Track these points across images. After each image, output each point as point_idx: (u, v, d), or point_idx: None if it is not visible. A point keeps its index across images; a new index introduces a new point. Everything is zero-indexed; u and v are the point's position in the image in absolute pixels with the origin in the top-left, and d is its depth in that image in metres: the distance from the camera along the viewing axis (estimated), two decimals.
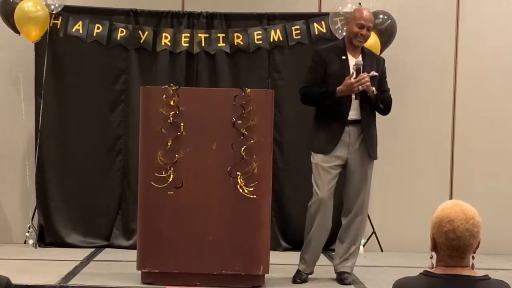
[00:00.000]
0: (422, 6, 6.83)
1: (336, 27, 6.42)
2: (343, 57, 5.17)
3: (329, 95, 5.07)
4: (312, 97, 5.20)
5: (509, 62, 6.79)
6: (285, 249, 6.54)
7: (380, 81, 5.23)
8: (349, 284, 5.24)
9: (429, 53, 6.79)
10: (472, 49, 6.84)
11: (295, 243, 6.31)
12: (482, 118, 6.81)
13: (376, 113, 5.29)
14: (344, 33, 5.91)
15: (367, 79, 4.99)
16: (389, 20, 6.49)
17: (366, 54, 5.26)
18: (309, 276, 5.34)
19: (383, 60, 5.41)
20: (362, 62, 5.06)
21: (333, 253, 5.55)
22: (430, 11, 6.82)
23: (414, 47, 6.76)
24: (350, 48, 5.21)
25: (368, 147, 5.17)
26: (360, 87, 4.99)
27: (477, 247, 2.50)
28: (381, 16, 6.49)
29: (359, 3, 6.40)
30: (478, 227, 2.51)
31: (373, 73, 5.09)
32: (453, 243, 2.48)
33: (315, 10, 6.78)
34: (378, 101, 5.15)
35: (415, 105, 6.78)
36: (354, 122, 5.14)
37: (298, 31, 6.57)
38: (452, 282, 2.47)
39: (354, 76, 5.00)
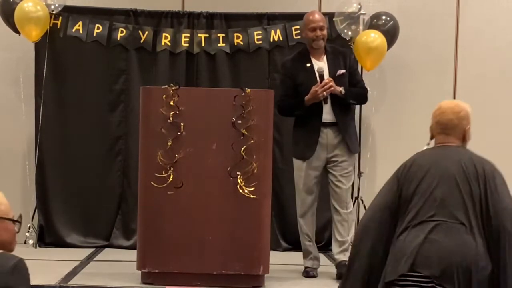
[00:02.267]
0: (422, 6, 6.82)
1: (342, 27, 6.41)
2: (308, 65, 5.40)
3: (299, 105, 5.33)
4: (285, 109, 5.49)
5: (509, 62, 6.79)
6: (285, 249, 6.54)
7: (350, 75, 5.42)
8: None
9: (429, 53, 6.79)
10: (472, 49, 6.84)
11: (295, 243, 6.30)
12: (482, 118, 6.79)
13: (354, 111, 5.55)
14: (349, 33, 6.06)
15: (331, 83, 5.22)
16: (392, 21, 6.50)
17: (330, 52, 5.45)
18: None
19: (350, 52, 5.62)
20: (323, 69, 5.30)
21: (332, 252, 5.65)
22: (430, 11, 6.81)
23: (414, 47, 6.76)
24: (313, 53, 5.43)
25: (348, 143, 5.36)
26: (325, 93, 5.22)
27: (465, 136, 3.65)
28: (383, 17, 6.50)
29: (359, 4, 6.42)
30: (464, 115, 3.66)
31: (340, 71, 5.34)
32: (438, 118, 3.59)
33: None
34: (348, 99, 5.35)
35: (415, 105, 6.77)
36: (331, 124, 5.35)
37: (298, 31, 6.56)
38: (440, 148, 3.55)
39: (319, 82, 5.23)
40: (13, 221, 2.80)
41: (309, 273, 5.45)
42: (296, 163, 5.44)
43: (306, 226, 5.50)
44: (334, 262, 5.59)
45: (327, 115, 5.32)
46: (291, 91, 5.42)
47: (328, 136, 5.34)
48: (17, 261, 2.67)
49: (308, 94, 5.26)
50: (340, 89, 5.27)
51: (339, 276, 5.29)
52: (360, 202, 6.57)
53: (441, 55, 6.82)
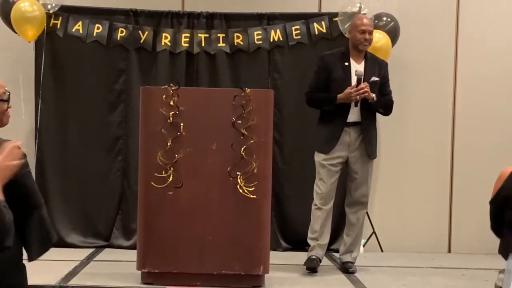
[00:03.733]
0: (422, 6, 6.83)
1: (346, 26, 6.41)
2: (346, 63, 5.52)
3: (330, 102, 5.44)
4: (315, 102, 5.57)
5: (509, 62, 6.79)
6: (285, 249, 6.53)
7: (382, 85, 5.58)
8: (353, 272, 5.55)
9: (429, 53, 6.79)
10: (472, 49, 6.84)
11: (295, 243, 6.31)
12: (482, 118, 6.81)
13: (377, 114, 5.63)
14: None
15: (366, 89, 5.35)
16: (393, 22, 6.51)
17: (369, 59, 5.60)
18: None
19: (386, 63, 5.73)
20: (362, 73, 5.42)
21: (334, 253, 5.78)
22: (430, 11, 6.81)
23: (414, 47, 6.76)
24: (353, 54, 5.55)
25: (367, 147, 5.49)
26: (358, 97, 5.34)
27: None
28: (384, 18, 6.50)
29: (360, 5, 6.42)
30: None
31: (374, 78, 5.49)
32: None
33: (315, 10, 6.78)
34: (378, 107, 5.51)
35: (415, 105, 6.78)
36: (354, 124, 5.47)
37: (298, 31, 6.57)
38: None
39: (355, 85, 5.35)
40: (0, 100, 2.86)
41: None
42: (318, 156, 5.54)
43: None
44: (339, 261, 5.71)
45: (353, 115, 5.46)
46: (323, 84, 5.51)
47: (351, 135, 5.48)
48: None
49: (339, 92, 5.39)
50: (373, 95, 5.42)
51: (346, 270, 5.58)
52: None
53: (441, 55, 6.82)
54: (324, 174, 5.47)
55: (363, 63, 5.55)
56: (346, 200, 5.65)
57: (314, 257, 5.52)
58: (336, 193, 5.62)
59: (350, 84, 5.41)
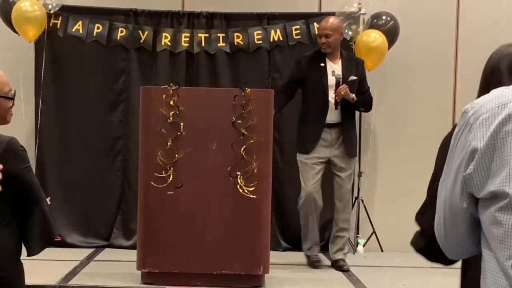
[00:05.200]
0: (422, 6, 6.82)
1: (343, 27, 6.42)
2: (322, 64, 5.68)
3: (279, 107, 5.58)
4: (276, 98, 5.44)
5: None
6: (285, 249, 6.53)
7: (360, 82, 5.74)
8: (347, 270, 5.66)
9: (429, 53, 6.78)
10: (472, 49, 6.83)
11: (295, 243, 6.31)
12: None
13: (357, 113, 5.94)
14: (350, 33, 6.16)
15: (346, 91, 5.50)
16: (392, 21, 6.50)
17: (345, 58, 5.76)
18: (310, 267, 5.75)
19: (362, 61, 5.91)
20: (341, 75, 5.54)
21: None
22: (430, 11, 6.81)
23: (414, 47, 6.75)
24: (329, 54, 5.70)
25: (347, 146, 5.66)
26: (337, 98, 5.52)
27: None
28: (384, 17, 6.50)
29: (359, 4, 6.42)
30: None
31: (352, 77, 5.65)
32: None
33: (315, 10, 6.78)
34: (359, 105, 5.70)
35: (415, 105, 6.78)
36: (335, 124, 5.63)
37: (298, 31, 6.56)
38: None
39: (335, 88, 5.54)
40: (5, 98, 2.85)
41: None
42: (300, 156, 5.72)
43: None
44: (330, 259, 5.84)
45: (333, 116, 5.61)
46: (294, 83, 5.74)
47: (332, 135, 5.63)
48: (6, 142, 2.72)
49: (316, 92, 5.59)
50: (353, 96, 5.56)
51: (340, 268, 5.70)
52: (361, 202, 6.57)
53: (441, 55, 6.81)
54: (308, 173, 5.63)
55: (340, 63, 5.69)
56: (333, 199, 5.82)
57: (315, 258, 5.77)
58: (332, 193, 5.77)
59: (326, 85, 5.59)
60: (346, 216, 5.81)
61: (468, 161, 1.55)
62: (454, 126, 2.26)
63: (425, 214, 2.19)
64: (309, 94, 5.68)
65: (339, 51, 5.74)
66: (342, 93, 5.49)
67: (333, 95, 5.56)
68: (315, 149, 5.62)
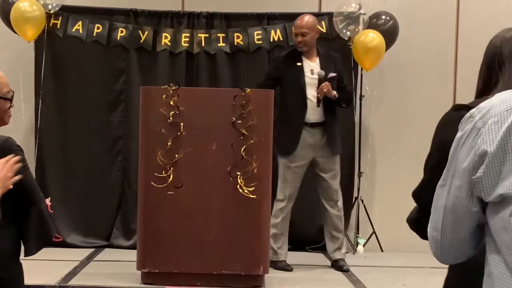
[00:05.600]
0: (422, 6, 6.82)
1: (341, 27, 6.42)
2: (298, 64, 5.64)
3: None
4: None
5: None
6: None
7: (339, 78, 5.69)
8: (347, 270, 5.63)
9: (429, 53, 6.78)
10: (472, 49, 6.82)
11: (295, 243, 6.30)
12: None
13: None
14: (348, 33, 6.14)
15: (329, 88, 5.46)
16: (392, 21, 6.50)
17: (322, 55, 5.72)
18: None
19: (339, 57, 5.87)
20: (323, 73, 5.51)
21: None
22: (430, 11, 6.81)
23: (414, 47, 6.75)
24: (305, 52, 5.66)
25: (331, 144, 5.59)
26: (319, 95, 5.48)
27: None
28: (383, 17, 6.50)
29: (359, 4, 6.42)
30: None
31: (331, 74, 5.59)
32: None
33: (315, 10, 6.78)
34: (341, 102, 5.63)
35: (415, 105, 6.77)
36: (318, 124, 5.58)
37: None
38: None
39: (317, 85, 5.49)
40: (3, 98, 2.86)
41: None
42: (281, 158, 5.64)
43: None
44: (329, 258, 5.80)
45: (314, 115, 5.57)
46: (271, 81, 5.66)
47: (315, 136, 5.58)
48: (3, 142, 2.72)
49: (293, 92, 5.56)
50: (334, 93, 5.51)
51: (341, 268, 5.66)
52: (360, 202, 6.57)
53: (441, 55, 6.81)
54: (289, 176, 5.57)
55: (317, 60, 5.66)
56: (319, 201, 5.74)
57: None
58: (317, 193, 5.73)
59: (304, 84, 5.56)
60: (339, 214, 5.74)
61: (477, 165, 1.54)
62: (453, 106, 2.28)
63: (424, 191, 2.22)
64: (287, 94, 5.63)
65: (316, 49, 5.71)
66: (325, 90, 5.45)
67: (314, 94, 5.51)
68: (297, 150, 5.54)
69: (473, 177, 1.55)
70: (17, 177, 2.56)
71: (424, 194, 2.21)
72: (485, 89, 2.21)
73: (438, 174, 1.91)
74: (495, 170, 1.51)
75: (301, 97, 5.56)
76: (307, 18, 5.73)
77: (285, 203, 5.64)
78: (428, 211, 1.78)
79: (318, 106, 5.51)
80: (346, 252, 6.09)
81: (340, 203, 5.76)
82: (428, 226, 1.71)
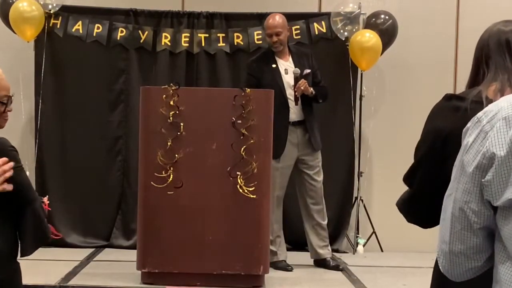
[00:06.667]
0: (422, 6, 6.82)
1: (338, 27, 6.42)
2: (273, 65, 5.63)
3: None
4: None
5: None
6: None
7: (313, 74, 5.70)
8: (342, 269, 5.66)
9: (429, 53, 6.78)
10: (472, 49, 6.81)
11: (295, 243, 6.31)
12: None
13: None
14: (345, 33, 6.12)
15: (306, 85, 5.46)
16: (391, 20, 6.49)
17: (295, 53, 5.72)
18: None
19: (311, 52, 5.87)
20: (299, 71, 5.47)
21: (334, 253, 5.92)
22: (430, 11, 6.81)
23: (414, 46, 6.75)
24: (277, 53, 5.66)
25: (314, 141, 5.62)
26: (297, 93, 5.47)
27: None
28: (382, 16, 6.49)
29: (359, 4, 6.42)
30: None
31: (306, 71, 5.59)
32: None
33: (315, 10, 6.78)
34: (318, 98, 5.63)
35: (414, 105, 6.77)
36: (299, 123, 5.60)
37: (298, 31, 6.56)
38: None
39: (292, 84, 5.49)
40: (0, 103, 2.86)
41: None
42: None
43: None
44: (316, 256, 5.76)
45: (295, 114, 5.58)
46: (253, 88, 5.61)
47: (298, 135, 5.61)
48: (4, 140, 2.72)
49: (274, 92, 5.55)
50: (311, 89, 5.54)
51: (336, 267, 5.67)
52: (360, 202, 6.57)
53: (441, 55, 6.81)
54: (277, 178, 5.54)
55: (290, 59, 5.66)
56: (302, 199, 5.75)
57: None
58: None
59: (282, 85, 5.55)
60: (323, 208, 5.74)
61: (486, 167, 1.52)
62: (444, 95, 2.29)
63: (414, 174, 2.28)
64: None
65: (288, 48, 5.71)
66: (302, 88, 5.44)
67: (292, 93, 5.51)
68: (285, 152, 5.53)
69: (483, 180, 1.53)
70: (7, 186, 2.55)
71: (414, 177, 2.28)
72: (474, 81, 2.23)
73: (427, 159, 1.92)
74: (504, 174, 1.49)
75: (281, 98, 5.49)
76: (278, 18, 5.71)
77: (275, 205, 5.62)
78: (419, 192, 1.83)
79: (296, 104, 5.53)
80: (346, 252, 6.09)
81: (323, 198, 5.76)
82: (438, 241, 1.68)
